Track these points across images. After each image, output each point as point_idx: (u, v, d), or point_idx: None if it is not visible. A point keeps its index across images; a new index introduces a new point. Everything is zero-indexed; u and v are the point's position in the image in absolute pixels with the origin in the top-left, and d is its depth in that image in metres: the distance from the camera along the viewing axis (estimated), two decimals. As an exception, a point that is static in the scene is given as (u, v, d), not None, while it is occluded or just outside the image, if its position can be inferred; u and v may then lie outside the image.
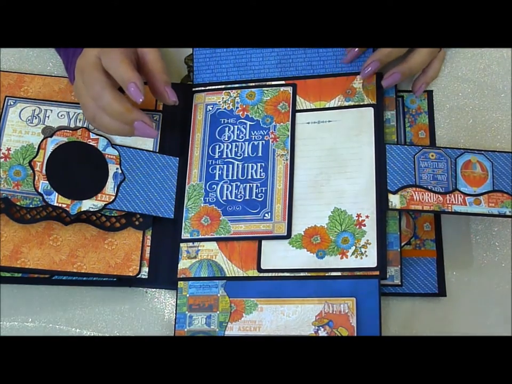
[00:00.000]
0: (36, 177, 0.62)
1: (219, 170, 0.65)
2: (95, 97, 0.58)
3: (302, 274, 0.61)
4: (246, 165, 0.65)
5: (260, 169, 0.65)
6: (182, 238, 0.64)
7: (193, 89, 0.69)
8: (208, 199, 0.64)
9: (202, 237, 0.63)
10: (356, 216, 0.61)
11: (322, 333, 0.59)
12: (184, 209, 0.64)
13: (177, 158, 0.66)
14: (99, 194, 0.62)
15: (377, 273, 0.59)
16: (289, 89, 0.67)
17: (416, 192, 0.60)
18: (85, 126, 0.66)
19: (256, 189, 0.64)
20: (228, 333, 0.60)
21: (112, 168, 0.63)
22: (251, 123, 0.66)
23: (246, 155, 0.66)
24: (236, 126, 0.66)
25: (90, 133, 0.64)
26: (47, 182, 0.62)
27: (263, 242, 0.62)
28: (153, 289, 0.65)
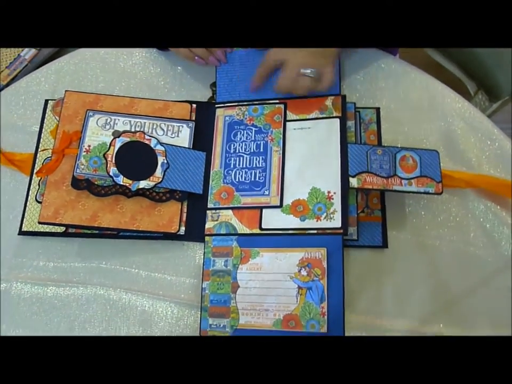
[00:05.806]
0: (108, 165, 0.70)
1: (233, 161, 0.73)
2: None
3: (290, 232, 0.68)
4: (252, 157, 0.72)
5: (262, 160, 0.72)
6: (208, 207, 0.72)
7: (216, 106, 0.77)
8: (226, 180, 0.72)
9: (222, 206, 0.71)
10: (327, 193, 0.68)
11: (303, 271, 0.65)
12: (209, 188, 0.72)
13: (205, 153, 0.74)
14: (151, 177, 0.70)
15: (341, 231, 0.66)
16: (282, 106, 0.74)
17: (368, 176, 0.67)
18: (142, 130, 0.73)
19: (259, 174, 0.71)
20: (239, 271, 0.67)
21: (160, 159, 0.71)
22: (255, 129, 0.74)
23: (252, 151, 0.73)
24: (245, 131, 0.74)
25: (145, 135, 0.72)
26: (115, 168, 0.70)
27: (264, 210, 0.70)
28: (188, 242, 0.73)
